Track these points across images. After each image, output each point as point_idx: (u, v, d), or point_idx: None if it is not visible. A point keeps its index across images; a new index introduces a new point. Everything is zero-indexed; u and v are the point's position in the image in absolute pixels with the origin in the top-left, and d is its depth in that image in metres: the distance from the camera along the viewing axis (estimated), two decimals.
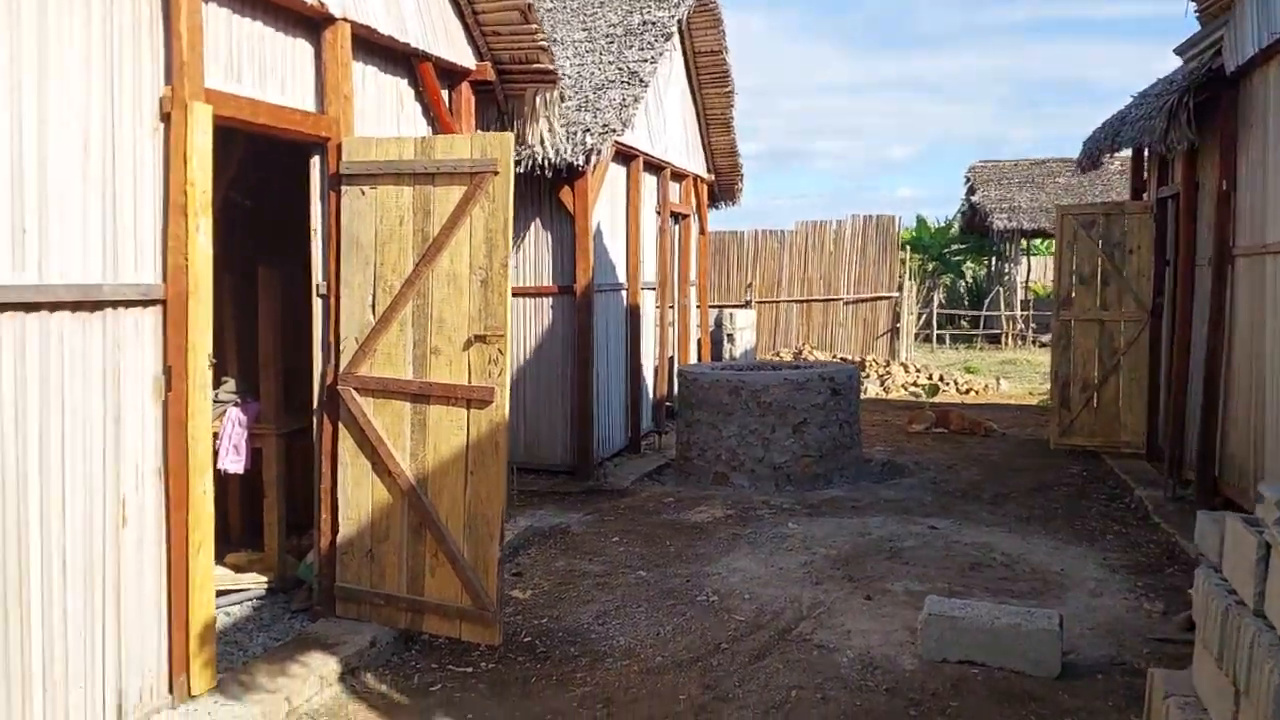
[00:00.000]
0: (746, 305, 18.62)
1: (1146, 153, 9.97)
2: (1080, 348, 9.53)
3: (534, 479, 8.47)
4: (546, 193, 8.75)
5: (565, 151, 8.17)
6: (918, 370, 17.07)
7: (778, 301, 19.43)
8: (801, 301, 19.40)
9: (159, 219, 3.95)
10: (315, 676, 4.30)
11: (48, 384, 3.46)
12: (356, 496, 4.95)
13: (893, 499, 7.80)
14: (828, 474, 8.34)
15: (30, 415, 3.39)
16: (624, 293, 9.87)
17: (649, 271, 10.68)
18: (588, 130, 8.41)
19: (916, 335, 21.83)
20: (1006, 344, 24.59)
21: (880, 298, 19.10)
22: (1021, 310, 25.84)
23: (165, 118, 3.96)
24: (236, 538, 6.16)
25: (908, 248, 21.60)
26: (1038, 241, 30.30)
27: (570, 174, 8.45)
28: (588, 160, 8.33)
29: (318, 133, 4.91)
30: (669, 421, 11.29)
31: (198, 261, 4.01)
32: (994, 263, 29.28)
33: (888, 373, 16.91)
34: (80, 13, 3.57)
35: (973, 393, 15.90)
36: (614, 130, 8.46)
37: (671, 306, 11.61)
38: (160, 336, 3.97)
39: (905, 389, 16.16)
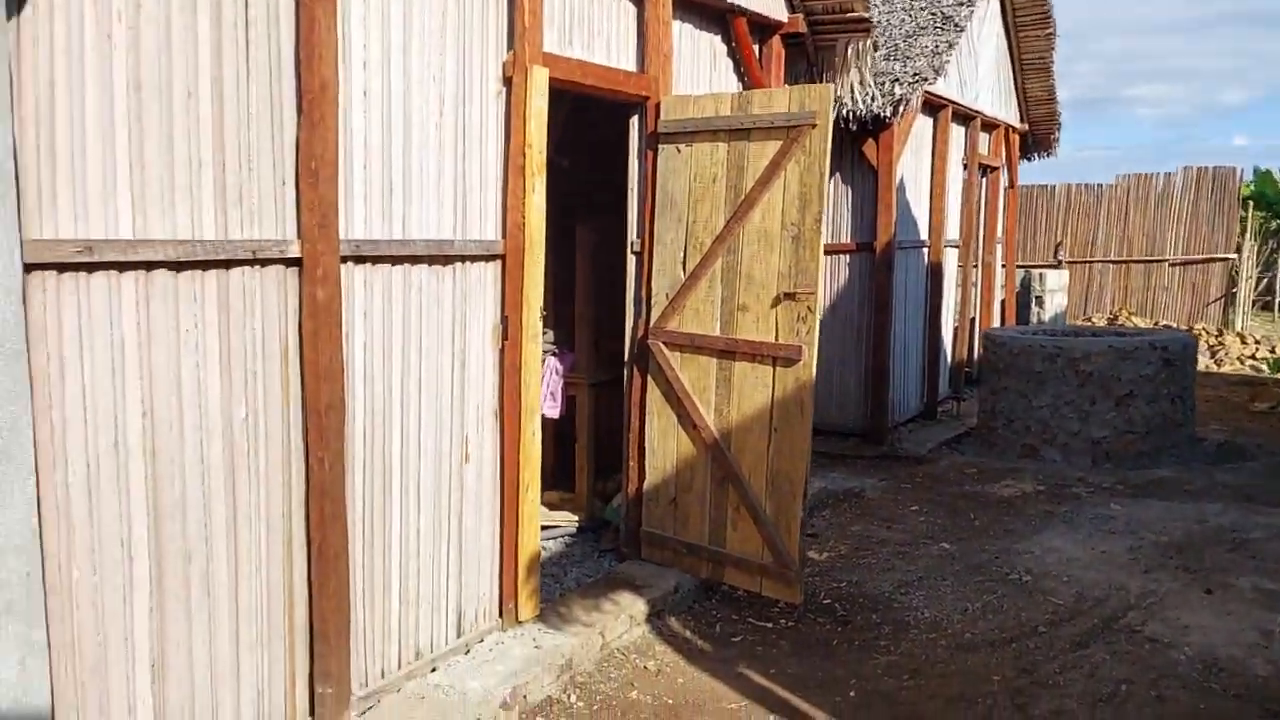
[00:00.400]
0: (1057, 266, 17.25)
1: None
2: None
3: (824, 441, 8.35)
4: (849, 146, 8.50)
5: (872, 103, 7.88)
6: (1257, 342, 15.08)
7: (1090, 262, 17.84)
8: (1119, 263, 17.69)
9: (499, 179, 4.22)
10: (625, 615, 4.52)
11: (409, 329, 3.83)
12: (663, 446, 5.10)
13: (1233, 484, 6.96)
14: (1154, 452, 7.58)
15: (395, 356, 3.77)
16: (925, 250, 9.44)
17: (952, 228, 10.13)
18: (896, 80, 8.05)
19: (1254, 302, 19.28)
20: None
21: (1213, 259, 17.00)
22: None
23: (507, 82, 4.20)
24: (546, 478, 6.58)
25: (1250, 204, 19.02)
26: None
27: (875, 126, 8.15)
28: (895, 111, 7.99)
29: (639, 92, 5.04)
30: (968, 388, 10.75)
31: (533, 219, 4.25)
32: None
33: (1220, 344, 15.07)
34: None
35: None
36: (925, 79, 8.05)
37: (975, 265, 10.97)
38: (499, 289, 4.26)
39: (1241, 362, 14.34)
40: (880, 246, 8.34)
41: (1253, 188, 19.49)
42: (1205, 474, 7.27)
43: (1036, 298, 12.45)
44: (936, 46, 8.40)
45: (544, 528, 5.73)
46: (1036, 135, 12.31)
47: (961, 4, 8.89)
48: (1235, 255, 16.96)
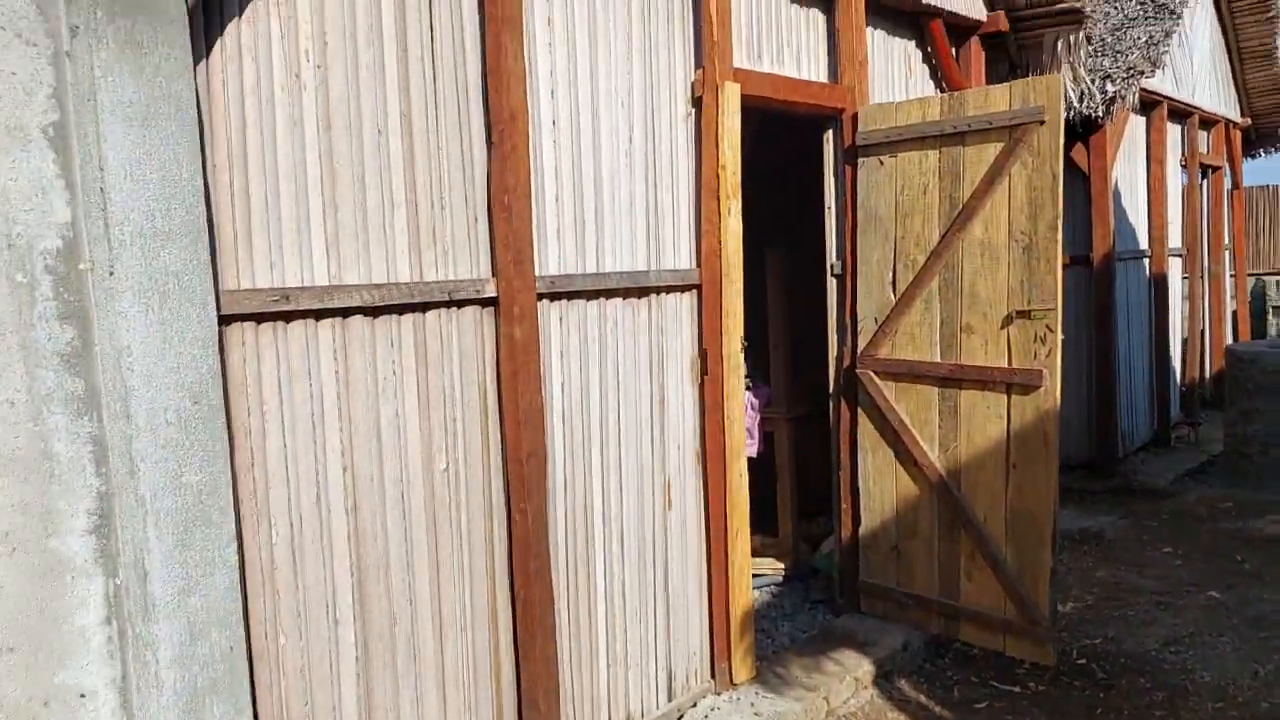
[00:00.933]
0: None
1: None
2: None
3: None
4: None
5: (1083, 102, 7.18)
6: None
7: None
8: None
9: (693, 204, 3.94)
10: (850, 677, 4.06)
11: (605, 368, 3.57)
12: (879, 487, 4.64)
13: None
14: None
15: (593, 397, 3.52)
16: (1146, 261, 8.54)
17: (1174, 236, 9.15)
18: (1108, 76, 7.31)
19: None
20: None
21: None
22: None
23: (696, 102, 3.93)
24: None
25: None
26: None
27: (1086, 128, 7.43)
28: (1108, 111, 7.24)
29: (833, 104, 4.67)
30: (1203, 410, 9.63)
31: (730, 245, 3.94)
32: None
33: None
34: (622, 2, 3.63)
35: None
36: (1141, 73, 7.28)
37: (1201, 276, 9.88)
38: (696, 320, 3.96)
39: None
40: (1098, 259, 7.56)
41: None
42: None
43: (1274, 308, 11.11)
44: (1151, 37, 7.60)
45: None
46: (1261, 129, 11.07)
47: None
48: None
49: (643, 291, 3.73)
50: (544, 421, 3.27)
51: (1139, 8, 8.00)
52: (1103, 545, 5.86)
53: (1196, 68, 9.50)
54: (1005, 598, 4.18)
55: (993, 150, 4.19)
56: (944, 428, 4.37)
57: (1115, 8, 8.12)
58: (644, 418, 3.74)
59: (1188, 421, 9.00)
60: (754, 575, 5.33)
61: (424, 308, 3.00)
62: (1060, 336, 4.01)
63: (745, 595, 4.02)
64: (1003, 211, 4.16)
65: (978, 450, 4.26)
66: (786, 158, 6.27)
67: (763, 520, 5.91)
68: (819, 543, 5.56)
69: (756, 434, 5.55)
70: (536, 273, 3.24)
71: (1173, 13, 7.86)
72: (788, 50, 4.53)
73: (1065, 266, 7.87)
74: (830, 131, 4.82)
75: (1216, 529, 6.03)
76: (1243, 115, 10.74)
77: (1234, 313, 10.79)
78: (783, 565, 5.49)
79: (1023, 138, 4.08)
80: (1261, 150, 11.36)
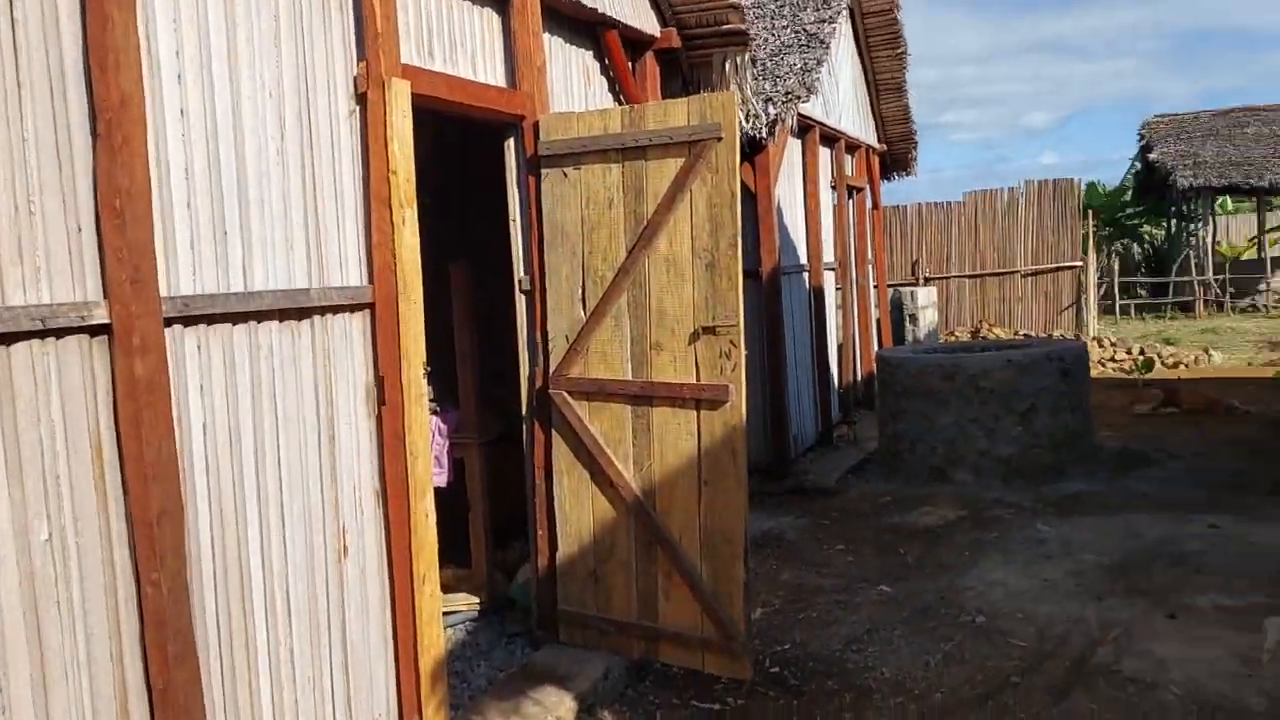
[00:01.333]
0: (925, 283, 17.53)
1: None
2: None
3: None
4: None
5: (749, 123, 7.51)
6: (1113, 344, 15.64)
7: (948, 278, 18.23)
8: (974, 276, 18.14)
9: (362, 213, 3.52)
10: (552, 717, 3.81)
11: (260, 404, 3.06)
12: (575, 511, 4.44)
13: (1149, 493, 6.81)
14: (1061, 466, 7.40)
15: (245, 439, 2.99)
16: (806, 274, 9.15)
17: (828, 251, 9.91)
18: (769, 99, 7.72)
19: (1098, 307, 20.16)
20: (1199, 312, 22.49)
21: (1062, 268, 17.65)
22: (1215, 274, 23.59)
23: (361, 99, 3.52)
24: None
25: (1089, 213, 19.96)
26: (1224, 200, 27.77)
27: (751, 148, 7.80)
28: (771, 132, 7.65)
29: (512, 110, 4.43)
30: (857, 411, 10.51)
31: (405, 259, 3.55)
32: (1175, 225, 26.94)
33: None
34: None
35: (1181, 366, 14.38)
36: (798, 97, 7.75)
37: (851, 287, 10.80)
38: (370, 343, 3.54)
39: (1104, 365, 14.77)
40: (766, 272, 7.95)
41: (1080, 203, 20.47)
42: (1118, 485, 7.12)
43: (910, 315, 12.43)
44: (805, 64, 8.14)
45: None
46: (895, 155, 12.37)
47: (824, 21, 8.70)
48: (1081, 263, 17.64)
49: (303, 313, 3.26)
50: (180, 472, 2.72)
51: (793, 35, 8.55)
52: (784, 547, 6.09)
53: (842, 96, 10.37)
54: (703, 615, 4.14)
55: (674, 165, 4.14)
56: (638, 447, 4.26)
57: (772, 34, 8.63)
58: (311, 458, 3.26)
59: (846, 421, 9.77)
60: (446, 614, 4.95)
61: (8, 340, 2.36)
62: (744, 352, 4.03)
63: (437, 644, 3.65)
64: (685, 227, 4.12)
65: (671, 468, 4.19)
66: (473, 166, 5.97)
67: (456, 551, 5.54)
68: (517, 571, 5.28)
69: (446, 462, 5.17)
70: (163, 293, 2.68)
71: (822, 42, 8.47)
72: (462, 51, 4.22)
73: None
74: (512, 140, 4.58)
75: (880, 524, 6.48)
76: (880, 141, 11.92)
77: (878, 321, 11.92)
78: (477, 600, 5.15)
79: (702, 154, 4.06)
80: (895, 174, 12.68)
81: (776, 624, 4.83)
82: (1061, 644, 4.36)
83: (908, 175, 12.65)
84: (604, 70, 5.43)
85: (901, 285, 17.81)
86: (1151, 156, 25.44)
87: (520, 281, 4.58)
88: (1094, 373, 13.76)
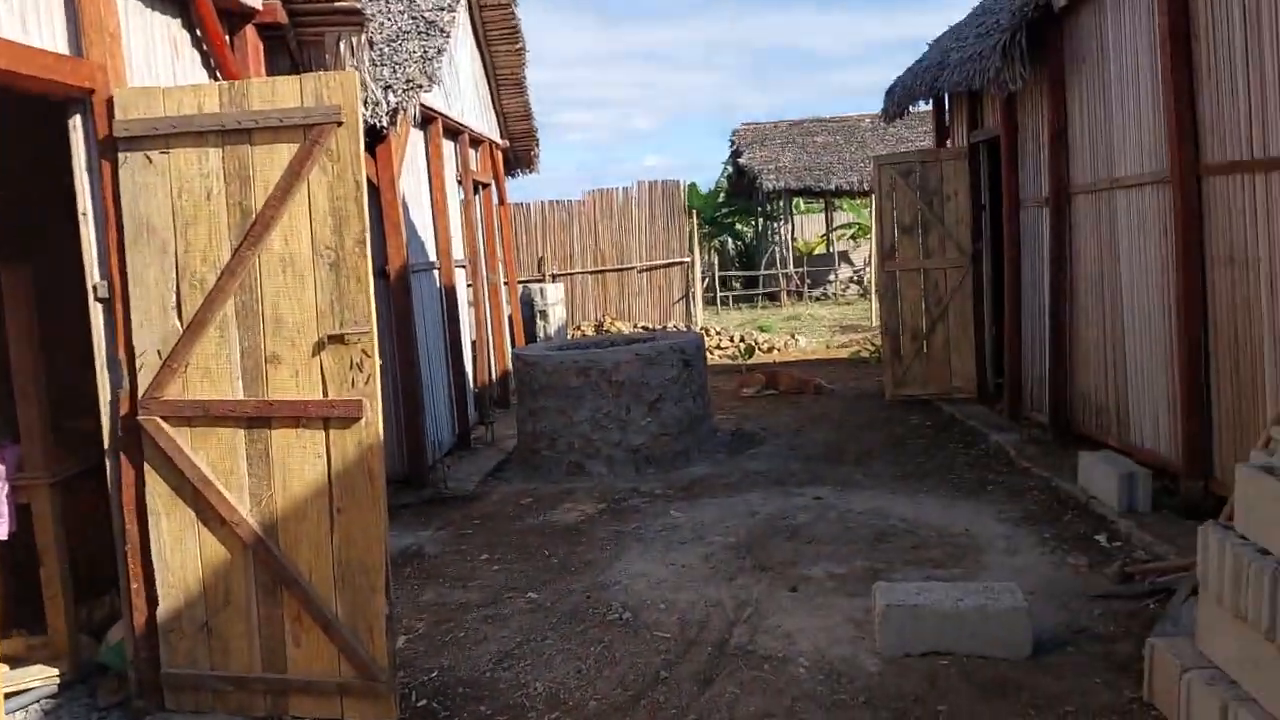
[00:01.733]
0: (553, 279, 17.83)
1: (947, 101, 10.09)
2: (907, 298, 9.52)
3: None
4: None
5: (368, 110, 7.04)
6: (719, 333, 17.00)
7: (572, 274, 18.77)
8: (596, 272, 18.85)
9: None
10: None
11: None
12: (180, 557, 3.81)
13: (761, 471, 7.37)
14: (687, 451, 7.80)
15: None
16: (436, 272, 8.84)
17: (458, 247, 9.68)
18: (388, 87, 7.30)
19: (704, 299, 21.90)
20: (784, 301, 25.28)
21: (672, 263, 18.88)
22: (796, 268, 26.63)
23: None
24: (3, 617, 4.75)
25: (694, 211, 21.54)
26: (798, 201, 31.42)
27: (372, 139, 7.33)
28: (393, 121, 7.24)
29: (79, 82, 3.68)
30: (494, 410, 10.40)
31: None
32: (762, 224, 30.07)
33: None
34: None
35: (775, 351, 15.98)
36: (420, 85, 7.41)
37: (483, 284, 10.65)
38: None
39: (713, 352, 16.01)
40: (395, 271, 7.54)
41: (685, 203, 22.10)
42: (735, 465, 7.63)
43: (540, 312, 12.55)
44: (426, 52, 7.80)
45: (7, 696, 4.04)
46: (518, 152, 12.42)
47: (442, 9, 8.41)
48: (688, 258, 18.97)
49: None
50: None
51: (411, 21, 8.18)
52: (425, 563, 5.78)
53: (464, 90, 10.16)
54: (340, 657, 3.72)
55: (287, 152, 3.67)
56: (256, 476, 3.73)
57: (389, 19, 8.19)
58: None
59: (483, 422, 9.61)
60: (16, 693, 4.06)
61: None
62: (379, 361, 3.67)
63: None
64: (304, 223, 3.67)
65: (297, 497, 3.71)
66: (31, 150, 4.95)
67: (29, 614, 4.59)
68: (107, 631, 4.46)
69: (7, 508, 4.24)
70: None
71: (442, 31, 8.19)
72: (3, 5, 3.42)
73: None
74: (79, 118, 3.82)
75: (524, 526, 6.38)
76: (503, 137, 11.89)
77: (511, 318, 11.90)
78: (56, 672, 4.27)
79: (320, 139, 3.64)
80: (519, 170, 12.74)
81: (422, 651, 4.52)
82: (702, 629, 4.50)
83: (531, 172, 12.76)
84: (196, 43, 4.74)
85: (531, 282, 18.05)
86: (741, 161, 28.14)
87: (96, 287, 3.83)
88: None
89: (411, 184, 8.37)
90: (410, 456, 7.56)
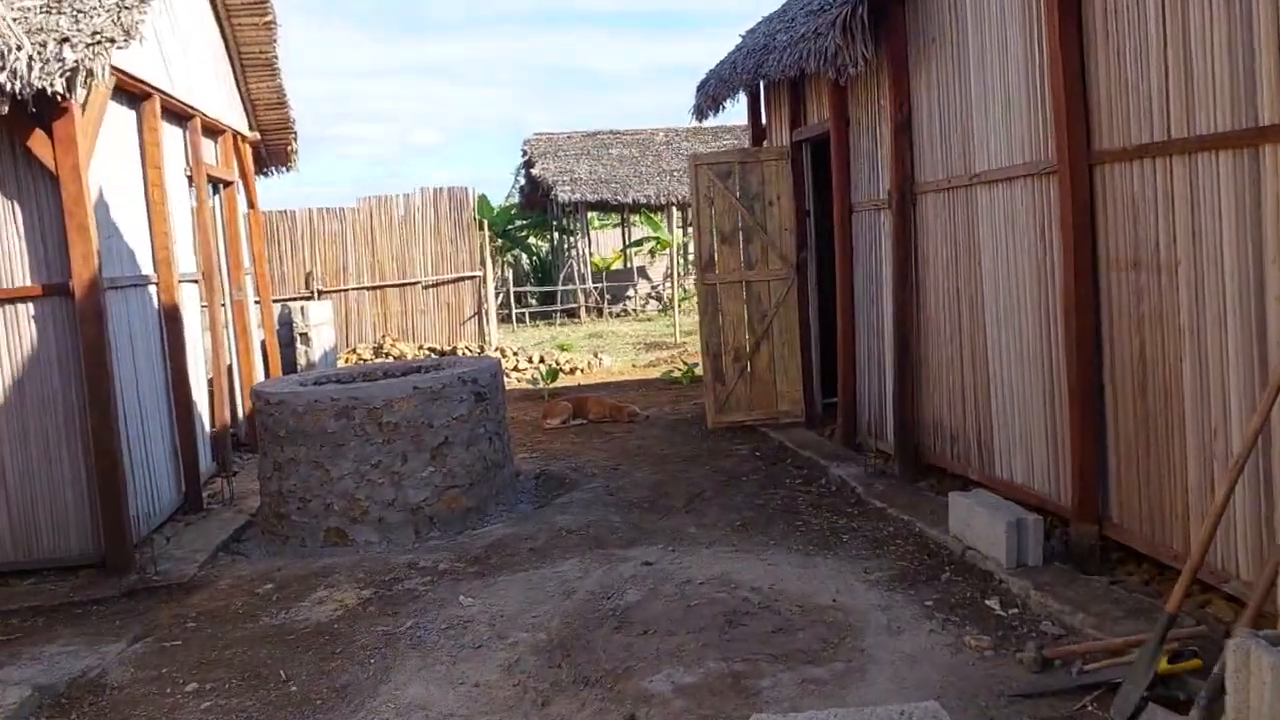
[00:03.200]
0: (319, 296, 15.76)
1: (764, 96, 9.19)
2: (729, 314, 8.47)
3: (34, 588, 5.44)
4: (3, 139, 5.66)
5: (32, 71, 5.18)
6: (516, 353, 15.55)
7: (346, 290, 16.76)
8: (374, 288, 16.93)
9: None
10: None
11: None
12: None
13: (575, 528, 6.00)
14: (482, 506, 6.32)
15: None
16: (153, 289, 6.94)
17: (187, 258, 7.77)
18: (66, 40, 5.43)
19: (497, 316, 20.35)
20: (583, 318, 24.15)
21: (462, 278, 17.26)
22: (594, 283, 25.57)
23: None
24: None
25: (485, 223, 20.00)
26: (593, 215, 30.47)
27: (45, 110, 5.45)
28: (71, 87, 5.37)
29: None
30: (239, 454, 8.51)
31: None
32: (558, 237, 28.88)
33: None
34: None
35: (579, 371, 14.72)
36: (112, 40, 5.57)
37: (224, 304, 8.74)
38: None
39: (510, 375, 14.54)
40: (83, 287, 5.64)
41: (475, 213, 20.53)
42: (542, 521, 6.22)
43: (301, 335, 10.67)
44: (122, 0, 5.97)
45: None
46: (271, 147, 10.51)
47: None
48: (480, 273, 17.41)
49: None
50: None
51: None
52: (103, 702, 4.02)
53: (197, 66, 8.27)
54: None
55: None
56: None
57: None
58: None
59: (222, 474, 7.73)
60: None
61: None
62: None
63: None
64: None
65: None
66: None
67: None
68: None
69: None
70: None
71: None
72: None
73: (36, 298, 5.78)
74: None
75: (257, 629, 4.70)
76: (252, 129, 9.98)
77: (263, 343, 9.98)
78: None
79: None
80: (273, 168, 10.83)
81: None
82: None
83: (288, 170, 10.87)
84: None
85: (293, 300, 15.94)
86: (534, 172, 26.83)
87: None
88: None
89: (114, 175, 6.47)
90: (106, 532, 5.66)
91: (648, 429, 9.05)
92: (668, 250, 27.04)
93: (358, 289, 16.87)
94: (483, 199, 27.65)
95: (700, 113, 9.26)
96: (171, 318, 7.03)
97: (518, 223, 29.18)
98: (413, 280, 17.05)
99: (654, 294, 26.92)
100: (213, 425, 8.04)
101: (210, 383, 8.10)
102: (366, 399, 6.00)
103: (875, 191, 6.91)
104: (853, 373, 7.47)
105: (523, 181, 29.58)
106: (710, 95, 8.78)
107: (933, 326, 6.24)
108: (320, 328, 11.07)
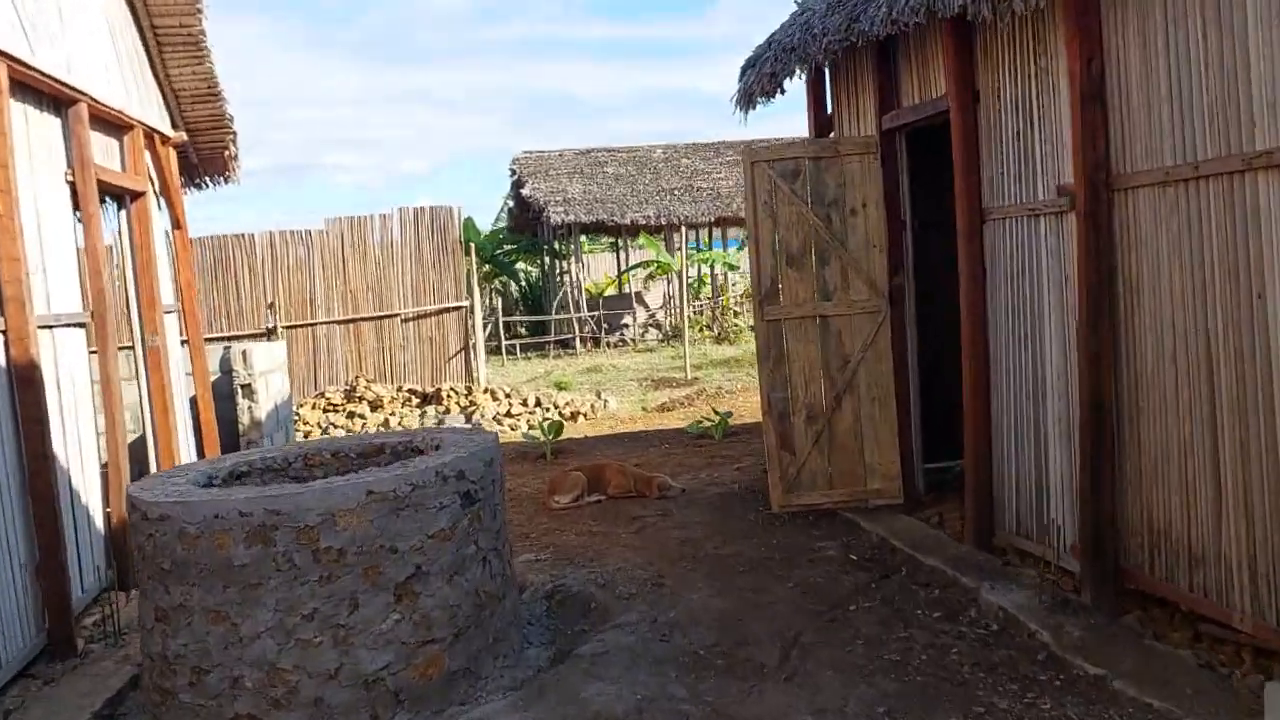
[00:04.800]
0: (270, 336, 13.60)
1: (829, 75, 7.15)
2: (799, 359, 6.39)
3: None
4: None
5: None
6: (508, 395, 13.43)
7: (314, 324, 14.61)
8: (346, 322, 14.78)
9: None
10: None
11: None
12: None
13: (615, 705, 3.86)
14: (474, 665, 4.18)
15: None
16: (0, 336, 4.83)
17: (64, 292, 5.65)
18: None
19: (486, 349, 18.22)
20: (579, 350, 22.05)
21: (447, 309, 15.13)
22: (590, 311, 23.47)
23: None
24: None
25: (473, 246, 17.91)
26: (584, 239, 28.45)
27: None
28: None
29: None
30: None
31: None
32: (549, 262, 26.80)
33: (472, 404, 13.04)
34: None
35: (581, 417, 12.61)
36: None
37: (128, 351, 6.61)
38: None
39: (499, 422, 12.40)
40: None
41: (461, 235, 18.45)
42: (564, 697, 4.06)
43: (243, 387, 8.50)
44: None
45: None
46: (203, 151, 8.38)
47: None
48: (467, 302, 15.30)
49: None
50: None
51: None
52: None
53: (86, 36, 6.19)
54: None
55: None
56: None
57: None
58: None
59: (109, 587, 5.57)
60: None
61: None
62: None
63: None
64: None
65: None
66: None
67: None
68: None
69: None
70: None
71: None
72: None
73: None
74: None
75: None
76: (176, 128, 7.87)
77: (195, 399, 7.83)
78: None
79: None
80: (207, 178, 8.71)
81: None
82: None
83: (227, 181, 8.74)
84: None
85: (254, 337, 13.81)
86: (524, 192, 24.81)
87: None
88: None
89: None
90: None
91: (688, 508, 6.93)
92: (666, 275, 25.05)
93: (327, 323, 14.71)
94: (469, 222, 25.59)
95: (748, 100, 7.21)
96: (24, 380, 4.89)
97: (506, 247, 27.09)
98: (390, 312, 14.90)
99: (653, 322, 24.85)
100: (108, 523, 5.88)
101: (102, 469, 5.95)
102: (295, 513, 3.86)
103: (1028, 191, 4.87)
104: (986, 444, 5.39)
105: (511, 204, 27.56)
106: (767, 74, 6.72)
107: (1153, 388, 4.17)
108: (270, 375, 8.91)
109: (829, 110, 7.20)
